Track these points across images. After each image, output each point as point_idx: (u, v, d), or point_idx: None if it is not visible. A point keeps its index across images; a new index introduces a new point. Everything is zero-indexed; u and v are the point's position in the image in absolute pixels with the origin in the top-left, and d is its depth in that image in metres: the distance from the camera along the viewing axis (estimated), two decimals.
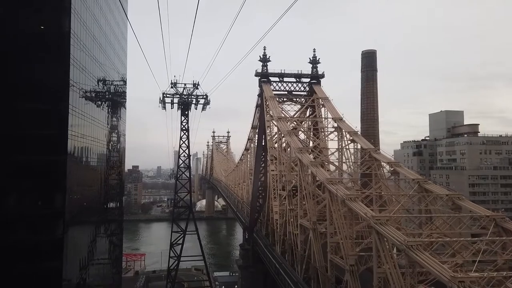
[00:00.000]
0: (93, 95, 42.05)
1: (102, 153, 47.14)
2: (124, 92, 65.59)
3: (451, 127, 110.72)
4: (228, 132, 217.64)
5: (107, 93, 51.37)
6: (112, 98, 55.74)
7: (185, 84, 69.70)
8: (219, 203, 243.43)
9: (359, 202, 34.04)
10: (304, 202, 45.78)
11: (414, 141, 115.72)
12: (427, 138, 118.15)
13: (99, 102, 45.68)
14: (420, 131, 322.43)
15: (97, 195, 45.90)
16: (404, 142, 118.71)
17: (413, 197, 38.31)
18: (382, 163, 48.94)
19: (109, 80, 51.23)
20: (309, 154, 51.82)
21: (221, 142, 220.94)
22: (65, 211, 30.08)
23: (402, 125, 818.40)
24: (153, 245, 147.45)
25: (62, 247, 29.53)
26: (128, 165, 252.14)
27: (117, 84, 57.76)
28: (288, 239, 51.32)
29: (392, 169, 46.74)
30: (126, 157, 69.83)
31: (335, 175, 51.35)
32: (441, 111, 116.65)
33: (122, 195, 68.91)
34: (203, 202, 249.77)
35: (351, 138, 56.15)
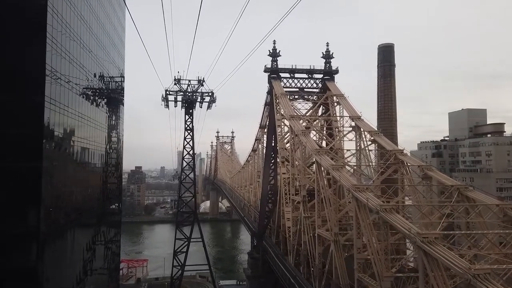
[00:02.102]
0: (82, 88, 36.00)
1: (94, 155, 41.28)
2: (122, 87, 59.98)
3: (473, 127, 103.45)
4: (232, 132, 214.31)
5: (100, 86, 45.37)
6: (107, 93, 49.75)
7: (189, 81, 65.76)
8: (224, 204, 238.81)
9: (395, 214, 28.73)
10: (321, 209, 40.53)
11: (433, 141, 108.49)
12: (446, 138, 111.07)
13: (91, 97, 39.57)
14: (424, 130, 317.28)
15: (89, 202, 40.30)
16: (421, 142, 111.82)
17: (456, 207, 32.74)
18: (411, 166, 43.70)
19: (102, 72, 45.33)
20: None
21: (225, 142, 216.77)
22: (39, 230, 23.90)
23: (404, 124, 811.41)
24: (156, 248, 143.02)
25: (36, 276, 23.42)
26: (131, 166, 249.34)
27: (112, 77, 51.97)
28: (303, 249, 46.67)
29: (423, 173, 41.28)
30: (129, 158, 65.22)
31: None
32: (462, 109, 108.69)
33: (120, 199, 63.70)
34: (207, 203, 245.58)
35: (372, 138, 50.94)
